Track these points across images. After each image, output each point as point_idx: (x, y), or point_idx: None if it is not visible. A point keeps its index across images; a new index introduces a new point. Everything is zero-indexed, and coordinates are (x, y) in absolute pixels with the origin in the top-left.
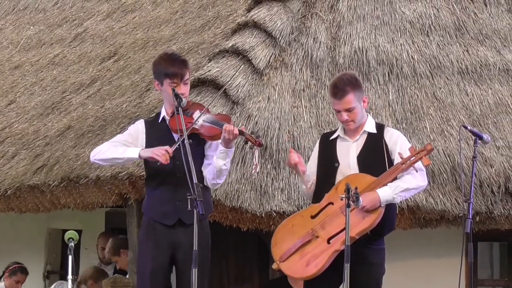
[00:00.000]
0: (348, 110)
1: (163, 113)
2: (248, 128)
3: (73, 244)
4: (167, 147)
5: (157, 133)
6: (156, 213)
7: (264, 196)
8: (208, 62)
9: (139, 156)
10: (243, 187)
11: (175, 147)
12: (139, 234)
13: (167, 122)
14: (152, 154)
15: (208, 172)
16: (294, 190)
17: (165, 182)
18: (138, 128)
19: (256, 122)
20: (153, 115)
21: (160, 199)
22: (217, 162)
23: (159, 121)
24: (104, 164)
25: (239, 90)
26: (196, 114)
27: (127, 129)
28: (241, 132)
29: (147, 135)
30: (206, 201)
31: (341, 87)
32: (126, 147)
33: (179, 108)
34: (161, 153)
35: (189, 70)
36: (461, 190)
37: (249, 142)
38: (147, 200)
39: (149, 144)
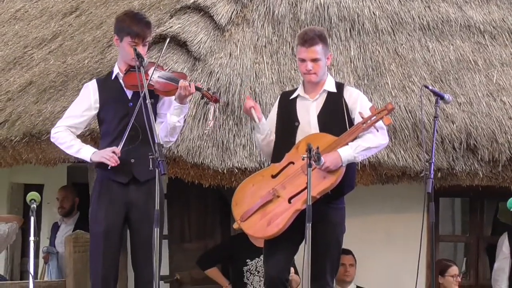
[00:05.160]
0: (314, 61)
1: (116, 70)
2: (210, 84)
3: (35, 206)
4: (114, 148)
5: (110, 91)
6: (110, 170)
7: (226, 152)
8: (170, 18)
9: (90, 160)
10: (205, 143)
11: (121, 145)
12: (91, 193)
13: (121, 80)
14: (100, 159)
15: (161, 129)
16: (256, 147)
17: (119, 140)
18: (90, 91)
19: (218, 79)
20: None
21: None
22: (171, 118)
23: (112, 79)
24: None
25: (201, 47)
26: (151, 70)
27: (78, 94)
28: (197, 88)
29: (100, 94)
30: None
31: (312, 36)
32: (80, 143)
33: (141, 68)
34: (109, 156)
35: (151, 33)
36: (423, 147)
37: (205, 98)
38: None
39: (103, 103)
